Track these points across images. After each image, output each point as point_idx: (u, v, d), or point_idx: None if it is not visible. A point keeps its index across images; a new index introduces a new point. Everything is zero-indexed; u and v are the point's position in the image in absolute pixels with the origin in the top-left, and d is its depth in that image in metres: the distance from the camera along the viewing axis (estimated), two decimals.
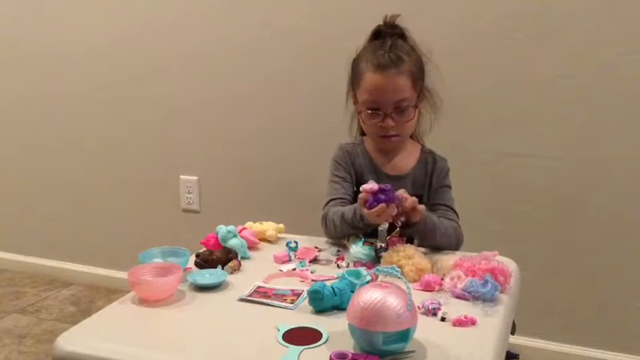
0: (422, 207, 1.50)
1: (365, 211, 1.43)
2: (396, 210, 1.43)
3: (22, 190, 2.93)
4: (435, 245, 1.55)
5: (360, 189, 1.44)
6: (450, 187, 1.71)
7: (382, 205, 1.40)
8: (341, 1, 2.20)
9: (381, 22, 1.64)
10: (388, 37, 1.61)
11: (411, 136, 1.72)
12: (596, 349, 2.11)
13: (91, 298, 2.71)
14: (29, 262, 2.96)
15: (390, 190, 1.41)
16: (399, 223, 1.47)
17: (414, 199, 1.48)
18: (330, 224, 1.58)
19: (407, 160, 1.70)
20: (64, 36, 2.68)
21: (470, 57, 2.07)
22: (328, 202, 1.63)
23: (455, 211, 1.67)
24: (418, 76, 1.61)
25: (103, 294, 2.72)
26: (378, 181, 1.47)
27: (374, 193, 1.40)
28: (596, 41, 1.93)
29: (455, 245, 1.59)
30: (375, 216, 1.42)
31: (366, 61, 1.59)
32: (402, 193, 1.45)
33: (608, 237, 2.04)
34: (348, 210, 1.53)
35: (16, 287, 2.82)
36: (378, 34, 1.63)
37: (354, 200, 1.56)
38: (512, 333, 1.45)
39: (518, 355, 2.17)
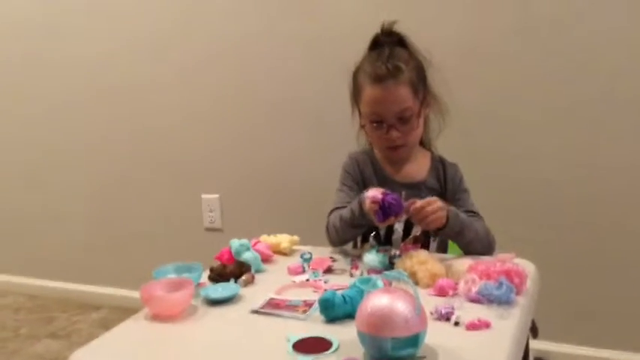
0: (440, 206, 1.46)
1: (377, 223, 1.43)
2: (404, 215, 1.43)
3: (47, 218, 2.98)
4: (467, 249, 1.52)
5: (367, 198, 1.42)
6: (467, 191, 1.67)
7: (393, 219, 1.42)
8: (354, 6, 2.20)
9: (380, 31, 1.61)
10: (386, 45, 1.58)
11: (420, 143, 1.70)
12: (627, 352, 2.05)
13: (120, 320, 2.72)
14: (60, 287, 3.00)
15: (398, 199, 1.40)
16: (405, 215, 1.45)
17: (430, 199, 1.46)
18: (332, 229, 1.58)
19: (418, 167, 1.67)
20: (81, 46, 2.71)
21: (480, 59, 2.06)
22: (332, 211, 1.62)
23: (480, 215, 1.62)
24: (419, 83, 1.57)
25: (132, 315, 2.72)
26: (390, 190, 1.44)
27: (380, 203, 1.39)
28: (607, 42, 1.91)
29: (487, 249, 1.54)
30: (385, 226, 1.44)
31: (365, 74, 1.57)
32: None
33: (637, 237, 1.99)
34: (345, 211, 1.52)
35: (47, 313, 2.86)
36: (376, 43, 1.61)
37: None
38: (535, 337, 1.42)
39: None
